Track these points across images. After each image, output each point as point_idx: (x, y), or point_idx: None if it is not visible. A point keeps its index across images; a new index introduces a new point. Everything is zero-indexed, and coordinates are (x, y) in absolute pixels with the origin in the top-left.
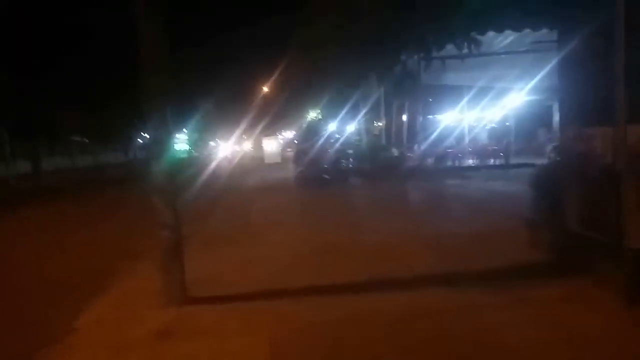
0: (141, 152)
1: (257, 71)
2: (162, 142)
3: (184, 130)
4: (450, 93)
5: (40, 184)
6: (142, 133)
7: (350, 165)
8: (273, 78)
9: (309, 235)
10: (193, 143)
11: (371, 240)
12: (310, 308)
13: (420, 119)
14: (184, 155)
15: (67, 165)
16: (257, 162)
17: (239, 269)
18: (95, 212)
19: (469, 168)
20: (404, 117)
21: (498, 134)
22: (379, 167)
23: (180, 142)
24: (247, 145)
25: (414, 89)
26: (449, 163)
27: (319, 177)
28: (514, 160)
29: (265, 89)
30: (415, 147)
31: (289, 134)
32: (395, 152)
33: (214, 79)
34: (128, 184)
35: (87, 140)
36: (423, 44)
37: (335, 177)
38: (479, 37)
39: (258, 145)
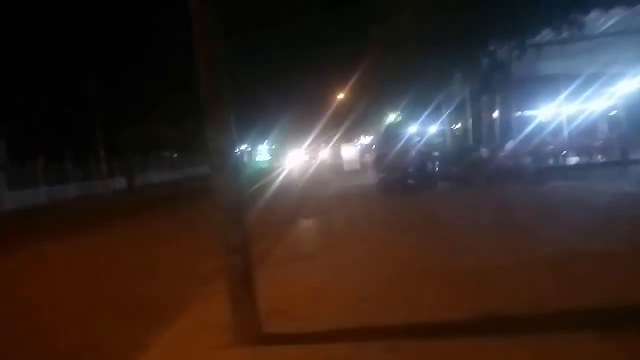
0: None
1: (333, 78)
2: (224, 152)
3: (265, 141)
4: (546, 84)
5: (132, 199)
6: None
7: (436, 169)
8: (349, 83)
9: (395, 254)
10: (274, 153)
11: (474, 260)
12: (412, 357)
13: (513, 114)
14: (265, 165)
15: (158, 179)
16: (335, 169)
17: (320, 297)
18: (176, 226)
19: (576, 167)
20: (494, 114)
21: (609, 126)
22: (469, 170)
23: (262, 153)
24: (326, 153)
25: (505, 82)
26: (550, 162)
27: (403, 183)
28: (632, 156)
29: (341, 95)
30: (508, 145)
31: (366, 140)
32: (484, 152)
33: (291, 89)
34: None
35: (175, 155)
36: (515, 30)
37: (420, 182)
38: (580, 17)
39: (336, 153)
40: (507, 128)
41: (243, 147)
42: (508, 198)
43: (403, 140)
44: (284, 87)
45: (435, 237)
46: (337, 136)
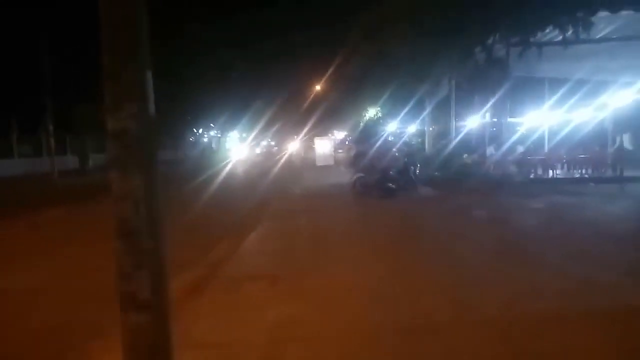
0: (192, 149)
1: (311, 67)
2: (135, 135)
3: (236, 129)
4: (543, 87)
5: (77, 181)
6: (194, 130)
7: (417, 172)
8: (327, 74)
9: (382, 283)
10: (254, 143)
11: (491, 303)
12: None
13: (506, 118)
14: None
15: None
16: (307, 163)
17: (281, 347)
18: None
19: (570, 181)
20: (483, 116)
21: (603, 139)
22: (453, 176)
23: (232, 140)
24: (296, 146)
25: (501, 81)
26: (538, 173)
27: (382, 186)
28: (628, 173)
29: (318, 87)
30: (494, 153)
31: (340, 135)
32: (469, 157)
33: (265, 76)
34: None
35: None
36: (519, 24)
37: (401, 186)
38: (588, 16)
39: (308, 146)
40: (497, 133)
41: (212, 133)
42: (498, 212)
43: (382, 138)
44: (260, 73)
45: (431, 258)
46: (311, 129)
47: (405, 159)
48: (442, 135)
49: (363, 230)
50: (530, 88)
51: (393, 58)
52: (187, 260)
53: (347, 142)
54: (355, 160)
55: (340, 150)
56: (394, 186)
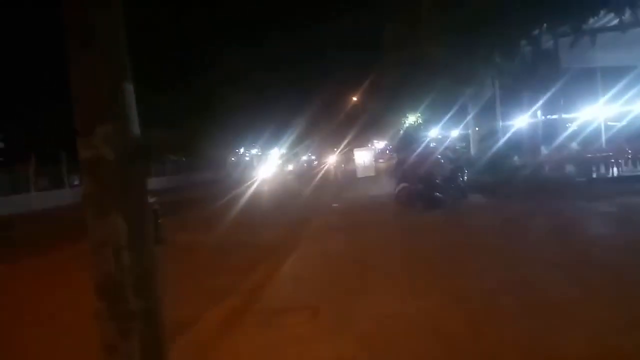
0: (234, 169)
1: (347, 80)
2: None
3: (277, 146)
4: (593, 78)
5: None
6: (236, 150)
7: (465, 178)
8: (365, 83)
9: (442, 316)
10: (286, 159)
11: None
12: None
13: (558, 114)
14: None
15: (162, 185)
16: (347, 175)
17: None
18: None
19: (638, 179)
20: (533, 114)
21: None
22: (504, 180)
23: (273, 157)
24: (337, 158)
25: (550, 76)
26: (600, 172)
27: (429, 196)
28: None
29: (355, 98)
30: (548, 152)
31: (380, 144)
32: (518, 160)
33: (303, 91)
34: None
35: (183, 159)
36: (569, 10)
37: (449, 195)
38: None
39: (349, 158)
40: (550, 131)
41: (254, 151)
42: (570, 221)
43: (425, 145)
44: (297, 89)
45: (488, 289)
46: (350, 140)
47: (452, 165)
48: (488, 137)
49: (412, 250)
50: (583, 80)
51: (431, 62)
52: (219, 287)
53: (387, 151)
54: (398, 170)
55: (381, 160)
56: (441, 195)
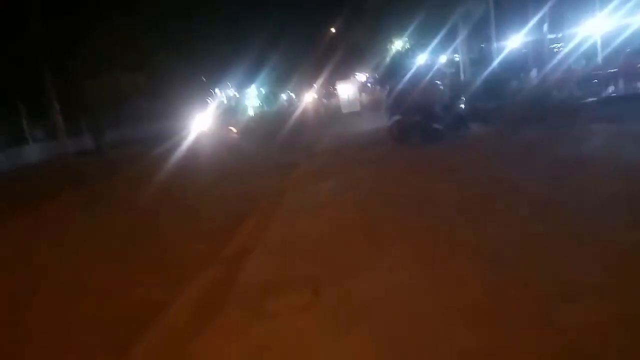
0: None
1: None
2: None
3: (253, 85)
4: None
5: (93, 162)
6: (211, 91)
7: (463, 106)
8: (346, 10)
9: (473, 291)
10: (264, 98)
11: None
12: None
13: (564, 30)
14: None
15: (132, 135)
16: (332, 111)
17: None
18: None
19: None
20: (531, 32)
21: None
22: (505, 105)
23: (250, 98)
24: (318, 94)
25: None
26: (610, 90)
27: (427, 128)
28: None
29: (334, 29)
30: (546, 73)
31: (361, 77)
32: (519, 82)
33: (279, 26)
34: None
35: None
36: None
37: (449, 126)
38: None
39: (330, 92)
40: (542, 53)
41: (230, 92)
42: (598, 149)
43: (418, 71)
44: (271, 23)
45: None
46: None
47: (450, 91)
48: (480, 60)
49: (418, 197)
50: None
51: None
52: (195, 254)
53: (369, 84)
54: (389, 101)
55: (363, 94)
56: (440, 127)
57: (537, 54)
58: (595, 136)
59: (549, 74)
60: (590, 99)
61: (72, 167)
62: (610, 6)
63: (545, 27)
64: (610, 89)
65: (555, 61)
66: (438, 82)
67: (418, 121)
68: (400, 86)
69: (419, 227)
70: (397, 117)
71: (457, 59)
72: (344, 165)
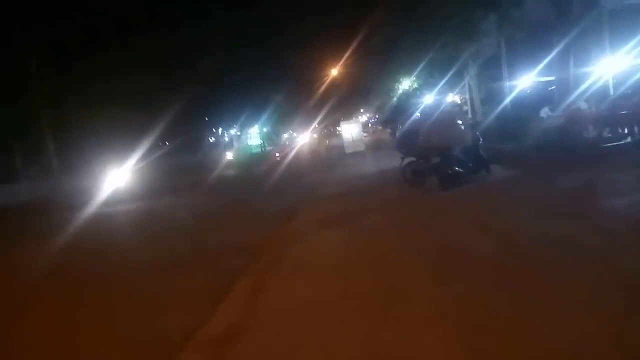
0: (213, 151)
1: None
2: None
3: (256, 124)
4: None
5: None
6: (213, 130)
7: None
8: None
9: None
10: (266, 137)
11: None
12: None
13: (594, 64)
14: (257, 150)
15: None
16: (335, 151)
17: None
18: None
19: None
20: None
21: None
22: (527, 148)
23: (253, 136)
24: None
25: (585, 12)
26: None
27: (445, 171)
28: None
29: (337, 69)
30: (574, 108)
31: (363, 117)
32: (543, 120)
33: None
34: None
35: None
36: None
37: (469, 169)
38: None
39: (331, 132)
40: (570, 87)
41: (232, 131)
42: None
43: (430, 112)
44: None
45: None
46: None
47: (472, 132)
48: (492, 99)
49: (447, 255)
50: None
51: (430, 15)
52: (167, 335)
53: (370, 124)
54: (402, 142)
55: (365, 134)
56: (461, 170)
57: (559, 93)
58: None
59: (567, 114)
60: (619, 142)
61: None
62: (624, 46)
63: (571, 63)
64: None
65: (569, 101)
66: (459, 121)
67: (437, 163)
68: (411, 126)
69: (448, 298)
70: (410, 159)
71: (465, 98)
72: (351, 213)
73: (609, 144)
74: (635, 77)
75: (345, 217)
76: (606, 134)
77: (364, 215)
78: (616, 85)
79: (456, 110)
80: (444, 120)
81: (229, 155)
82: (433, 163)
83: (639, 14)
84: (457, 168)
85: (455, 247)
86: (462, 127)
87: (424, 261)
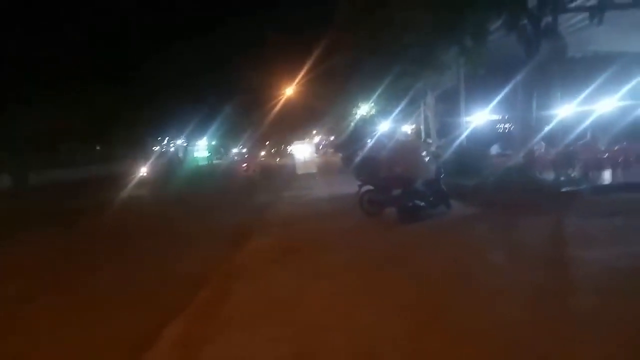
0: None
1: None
2: None
3: (205, 137)
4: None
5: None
6: (158, 138)
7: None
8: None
9: None
10: (214, 150)
11: None
12: None
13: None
14: (204, 162)
15: (61, 177)
16: (285, 171)
17: None
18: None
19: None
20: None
21: None
22: (486, 185)
23: (200, 149)
24: (271, 152)
25: (557, 60)
26: (609, 174)
27: (406, 203)
28: None
29: (290, 90)
30: (535, 149)
31: (316, 139)
32: (502, 158)
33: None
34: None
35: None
36: None
37: (430, 203)
38: None
39: (281, 151)
40: (537, 126)
41: (179, 141)
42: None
43: (391, 140)
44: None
45: None
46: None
47: (436, 165)
48: (447, 131)
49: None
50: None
51: (392, 42)
52: None
53: (321, 147)
54: (358, 168)
55: (315, 155)
56: (422, 203)
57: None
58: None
59: (528, 155)
60: (578, 187)
61: None
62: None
63: (534, 104)
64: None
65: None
66: (424, 152)
67: (397, 195)
68: (371, 153)
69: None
70: (368, 188)
71: (419, 128)
72: (306, 244)
73: (568, 188)
74: (586, 123)
75: (295, 251)
76: (563, 177)
77: (322, 249)
78: (568, 130)
79: (420, 141)
80: (408, 151)
81: (144, 171)
82: (393, 195)
83: (602, 62)
84: (417, 202)
85: (440, 304)
86: (426, 160)
87: (402, 322)
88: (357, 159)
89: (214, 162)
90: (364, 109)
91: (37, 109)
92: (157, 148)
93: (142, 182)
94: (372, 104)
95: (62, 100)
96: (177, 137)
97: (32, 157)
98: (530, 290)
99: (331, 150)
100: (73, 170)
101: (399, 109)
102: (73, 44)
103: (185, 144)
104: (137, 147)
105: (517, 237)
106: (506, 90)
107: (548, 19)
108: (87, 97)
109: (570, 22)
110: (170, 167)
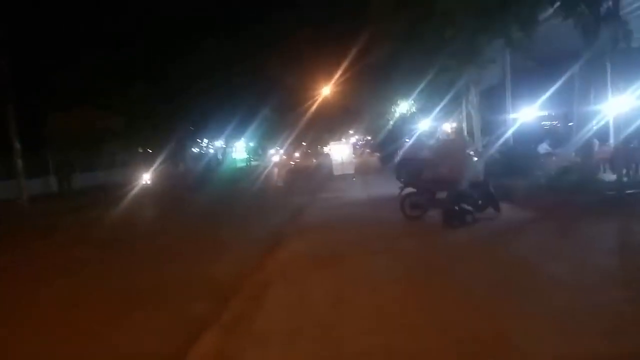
0: (196, 162)
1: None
2: None
3: (243, 138)
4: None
5: (50, 209)
6: (197, 140)
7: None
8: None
9: None
10: (252, 151)
11: None
12: None
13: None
14: (243, 164)
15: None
16: (321, 173)
17: None
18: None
19: None
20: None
21: None
22: (538, 186)
23: (239, 150)
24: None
25: (619, 48)
26: None
27: (453, 207)
28: None
29: (327, 89)
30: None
31: (353, 139)
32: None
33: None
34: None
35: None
36: None
37: (478, 206)
38: None
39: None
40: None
41: (218, 143)
42: None
43: (447, 139)
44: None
45: None
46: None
47: (484, 166)
48: (492, 130)
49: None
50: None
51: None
52: None
53: (357, 147)
54: (403, 170)
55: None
56: (470, 207)
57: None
58: None
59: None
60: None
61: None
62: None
63: (592, 97)
64: None
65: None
66: (471, 153)
67: (442, 198)
68: (412, 153)
69: None
70: (410, 190)
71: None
72: (345, 251)
73: (633, 190)
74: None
75: (332, 258)
76: (626, 177)
77: (362, 257)
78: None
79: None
80: (454, 150)
81: (146, 178)
82: (438, 197)
83: None
84: (464, 206)
85: (497, 331)
86: (473, 161)
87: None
88: (396, 159)
89: (252, 163)
90: (402, 107)
91: (79, 110)
92: (196, 150)
93: (180, 184)
94: (412, 102)
95: (102, 100)
96: (216, 138)
97: (76, 158)
98: (610, 315)
99: (368, 150)
100: (114, 171)
101: (439, 106)
102: (113, 44)
103: (224, 146)
104: (177, 148)
105: (581, 247)
106: (558, 83)
107: (609, 2)
108: (126, 97)
109: (633, 6)
110: (209, 168)
